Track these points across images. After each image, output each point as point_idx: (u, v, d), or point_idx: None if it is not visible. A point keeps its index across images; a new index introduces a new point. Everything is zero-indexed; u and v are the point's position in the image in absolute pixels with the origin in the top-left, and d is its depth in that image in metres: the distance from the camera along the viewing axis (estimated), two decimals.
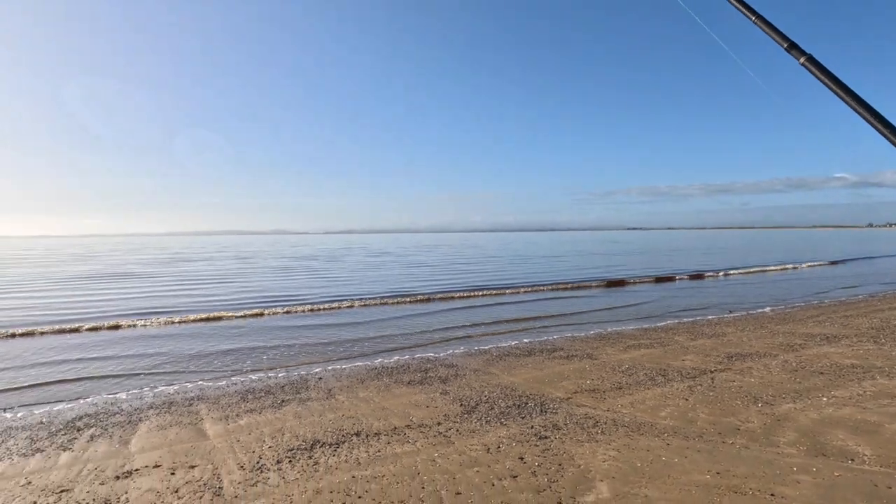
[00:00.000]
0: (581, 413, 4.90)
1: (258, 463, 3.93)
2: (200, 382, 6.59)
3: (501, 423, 4.68)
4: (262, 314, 12.23)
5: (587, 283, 18.83)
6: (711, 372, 6.35)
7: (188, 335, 9.82)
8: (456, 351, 8.08)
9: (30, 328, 10.33)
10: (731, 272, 22.47)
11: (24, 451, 4.38)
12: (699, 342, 8.20)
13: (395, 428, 4.63)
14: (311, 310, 12.83)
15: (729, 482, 3.38)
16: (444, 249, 54.59)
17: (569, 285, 17.95)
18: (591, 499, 3.22)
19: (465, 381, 6.20)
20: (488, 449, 4.05)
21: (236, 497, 3.38)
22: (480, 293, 15.79)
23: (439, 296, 15.27)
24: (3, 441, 4.62)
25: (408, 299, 14.50)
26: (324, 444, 4.29)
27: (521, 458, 3.84)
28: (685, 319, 10.80)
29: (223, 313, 12.02)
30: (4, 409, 5.66)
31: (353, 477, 3.62)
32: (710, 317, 11.07)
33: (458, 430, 4.50)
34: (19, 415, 5.45)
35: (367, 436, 4.45)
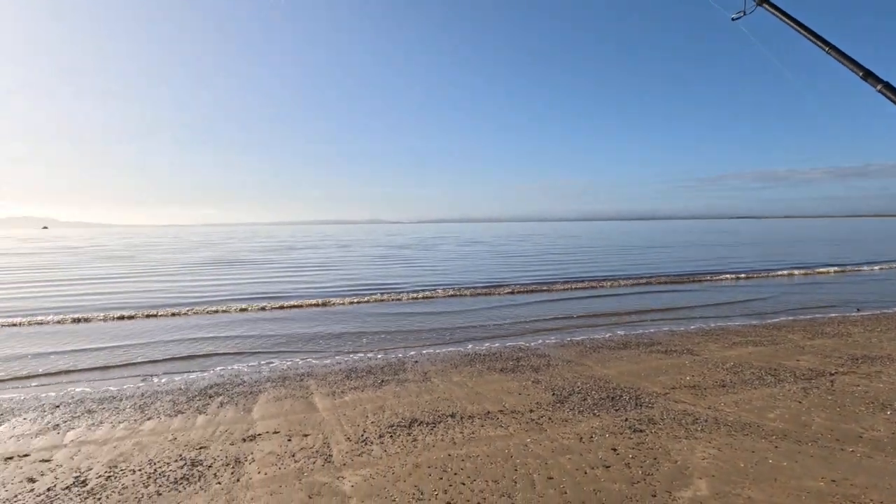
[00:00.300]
0: (679, 409, 4.76)
1: (363, 436, 4.27)
2: (310, 360, 7.18)
3: (594, 413, 4.67)
4: (363, 300, 12.94)
5: (689, 276, 17.76)
6: (831, 374, 5.84)
7: (298, 319, 10.69)
8: (548, 341, 8.09)
9: (170, 309, 11.77)
10: (864, 267, 20.05)
11: (168, 412, 5.09)
12: (818, 342, 7.52)
13: (489, 412, 4.79)
14: (409, 298, 13.35)
15: (846, 491, 3.16)
16: (537, 239, 53.98)
17: (667, 279, 17.04)
18: (689, 494, 3.16)
19: (558, 371, 6.21)
20: (580, 438, 4.08)
21: (344, 465, 3.72)
22: (574, 285, 15.51)
23: (532, 286, 15.22)
24: (153, 402, 5.39)
25: (501, 289, 14.60)
26: (421, 422, 4.55)
27: (614, 450, 3.83)
28: (801, 317, 9.90)
29: (329, 299, 12.88)
30: (153, 376, 6.57)
31: (449, 455, 3.83)
32: (832, 315, 10.06)
33: (550, 419, 4.57)
34: (163, 380, 6.31)
35: (462, 418, 4.65)
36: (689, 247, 35.80)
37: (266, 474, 3.60)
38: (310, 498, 3.24)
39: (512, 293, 14.12)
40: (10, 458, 4.03)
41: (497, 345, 7.94)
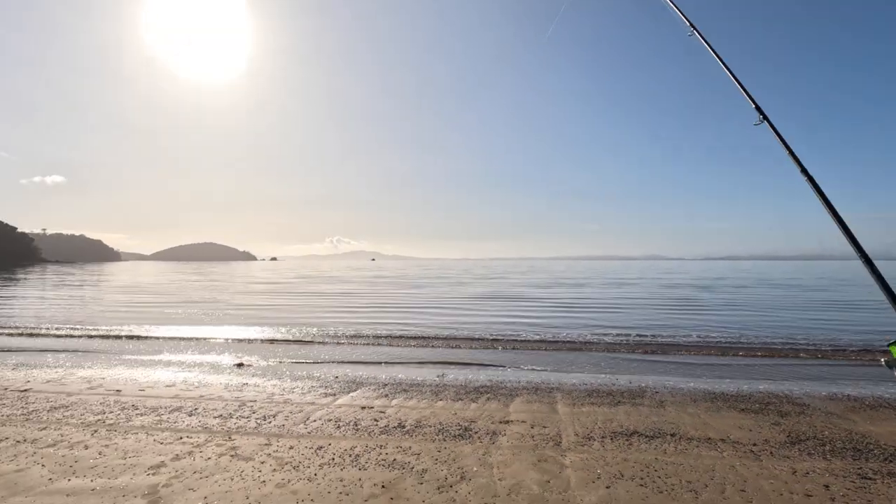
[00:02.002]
0: None
1: (588, 434, 5.30)
2: (561, 378, 8.43)
3: (825, 458, 4.64)
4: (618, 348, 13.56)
5: None
6: None
7: (562, 351, 12.08)
8: (814, 391, 7.47)
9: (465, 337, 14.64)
10: None
11: (453, 398, 7.01)
12: None
13: (710, 439, 5.21)
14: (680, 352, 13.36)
15: None
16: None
17: None
18: None
19: (808, 420, 5.97)
20: (794, 472, 4.26)
21: (569, 449, 4.84)
22: None
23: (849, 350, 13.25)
24: (443, 391, 7.45)
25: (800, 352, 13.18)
26: (641, 434, 5.31)
27: (826, 486, 3.95)
28: None
29: (589, 341, 13.92)
30: (443, 374, 8.80)
31: (656, 459, 4.56)
32: None
33: (771, 454, 4.76)
34: (448, 378, 8.44)
35: (680, 438, 5.22)
36: None
37: (512, 443, 5.00)
38: (538, 461, 4.49)
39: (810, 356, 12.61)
40: (364, 407, 6.43)
41: (747, 387, 7.75)
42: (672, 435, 5.31)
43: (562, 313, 19.35)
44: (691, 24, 4.03)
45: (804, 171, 2.46)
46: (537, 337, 13.33)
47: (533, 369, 9.31)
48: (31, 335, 13.66)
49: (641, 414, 6.20)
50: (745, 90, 3.11)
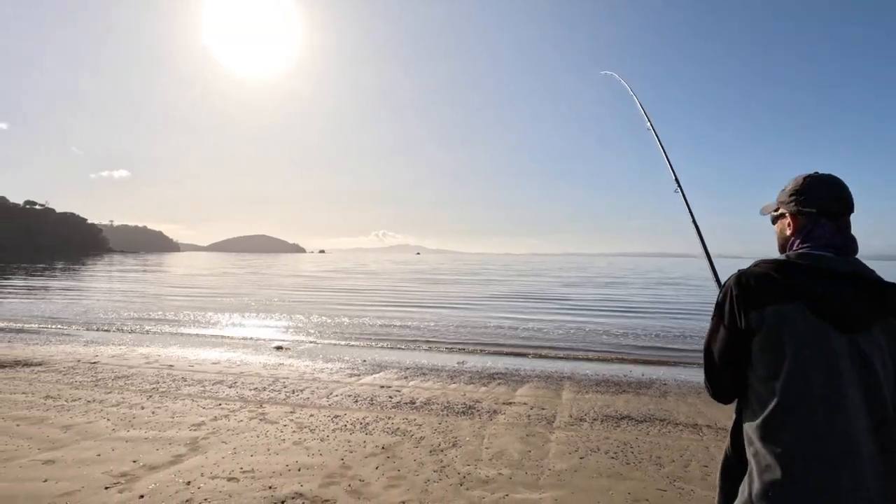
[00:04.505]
0: None
1: (581, 417, 5.75)
2: (575, 368, 8.83)
3: None
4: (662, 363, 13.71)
5: None
6: None
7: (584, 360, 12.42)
8: None
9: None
10: None
11: (466, 381, 7.57)
12: None
13: (696, 424, 5.55)
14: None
15: None
16: None
17: None
18: None
19: None
20: None
21: (558, 427, 5.31)
22: None
23: None
24: (459, 375, 8.01)
25: None
26: (631, 418, 5.71)
27: None
28: None
29: (621, 355, 14.14)
30: (463, 363, 9.36)
31: (636, 438, 4.98)
32: None
33: None
34: (467, 365, 8.99)
35: (668, 423, 5.58)
36: None
37: (507, 420, 5.51)
38: (526, 436, 4.99)
39: None
40: (383, 386, 7.08)
41: None
42: (661, 420, 5.68)
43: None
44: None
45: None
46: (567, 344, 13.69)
47: (546, 356, 9.74)
48: (102, 325, 15.17)
49: (641, 402, 6.56)
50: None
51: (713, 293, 1.58)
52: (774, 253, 1.55)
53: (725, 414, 6.03)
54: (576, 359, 9.96)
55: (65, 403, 5.66)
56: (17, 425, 4.81)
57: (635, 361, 9.76)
